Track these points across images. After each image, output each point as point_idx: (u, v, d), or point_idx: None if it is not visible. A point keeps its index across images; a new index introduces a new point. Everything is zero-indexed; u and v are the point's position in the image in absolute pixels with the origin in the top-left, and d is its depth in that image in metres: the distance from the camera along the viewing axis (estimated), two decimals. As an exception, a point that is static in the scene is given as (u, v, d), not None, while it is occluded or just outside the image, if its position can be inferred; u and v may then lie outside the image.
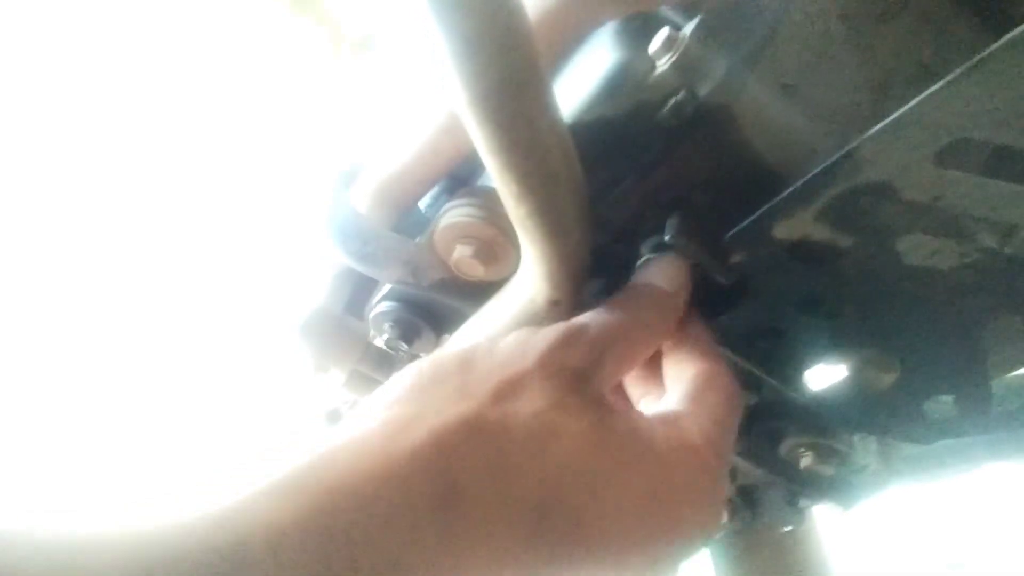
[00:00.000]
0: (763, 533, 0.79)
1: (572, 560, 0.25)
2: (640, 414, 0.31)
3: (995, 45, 0.26)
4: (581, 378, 0.28)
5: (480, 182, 0.44)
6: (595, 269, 0.43)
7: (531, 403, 0.27)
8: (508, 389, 0.27)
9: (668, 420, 0.30)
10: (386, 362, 0.69)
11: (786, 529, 0.66)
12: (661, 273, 0.35)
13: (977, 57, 0.26)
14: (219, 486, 0.22)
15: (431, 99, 0.41)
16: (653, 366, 0.37)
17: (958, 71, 0.26)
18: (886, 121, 0.29)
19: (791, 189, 0.33)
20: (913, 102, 0.28)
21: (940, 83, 0.27)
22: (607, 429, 0.27)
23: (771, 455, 0.55)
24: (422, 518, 0.22)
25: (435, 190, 0.47)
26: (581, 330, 0.31)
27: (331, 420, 1.00)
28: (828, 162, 0.31)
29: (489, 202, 0.39)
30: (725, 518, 0.65)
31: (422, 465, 0.23)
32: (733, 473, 0.61)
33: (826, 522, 0.83)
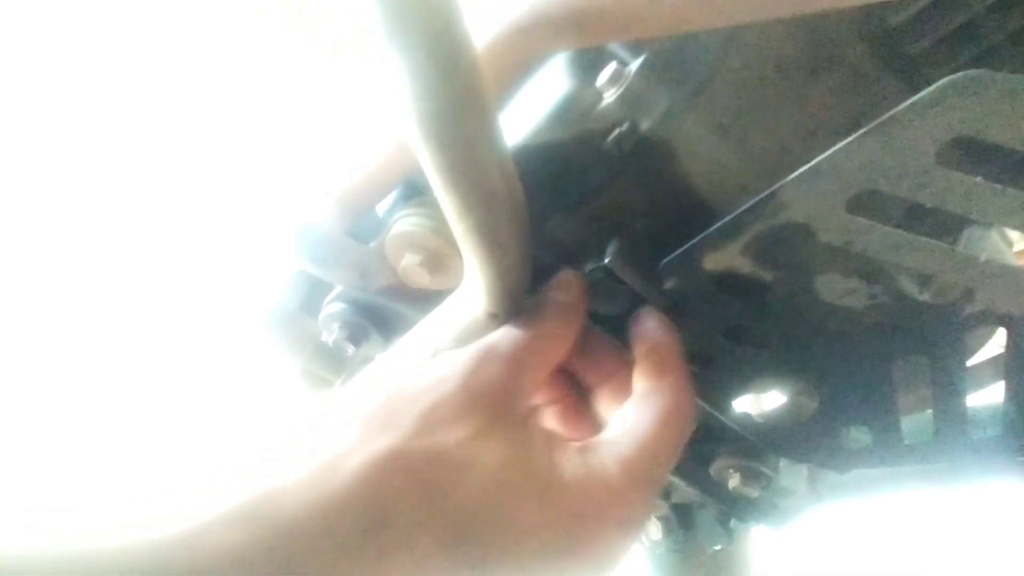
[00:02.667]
0: (697, 551, 0.81)
1: (487, 572, 0.28)
2: (561, 442, 0.33)
3: (899, 108, 0.28)
4: (502, 399, 0.30)
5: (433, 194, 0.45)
6: (537, 287, 0.45)
7: (453, 433, 0.29)
8: (433, 418, 0.30)
9: (587, 448, 0.32)
10: (336, 362, 0.69)
11: (717, 548, 0.69)
12: (561, 286, 0.37)
13: (884, 116, 0.28)
14: (175, 508, 0.24)
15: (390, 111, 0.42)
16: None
17: (867, 128, 0.29)
18: (804, 168, 0.31)
19: (720, 224, 0.35)
20: (827, 152, 0.30)
21: (851, 137, 0.29)
22: (522, 459, 0.30)
23: (703, 475, 0.57)
24: (354, 541, 0.26)
25: (393, 195, 0.48)
26: (495, 348, 0.33)
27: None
28: (753, 201, 0.33)
29: (439, 214, 0.41)
30: (660, 535, 0.67)
31: (354, 496, 0.27)
32: (668, 491, 0.63)
33: (761, 541, 0.86)
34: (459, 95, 0.27)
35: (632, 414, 0.35)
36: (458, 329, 0.39)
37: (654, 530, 0.66)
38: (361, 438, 0.29)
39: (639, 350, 0.38)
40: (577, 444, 0.33)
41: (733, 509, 0.62)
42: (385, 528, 0.26)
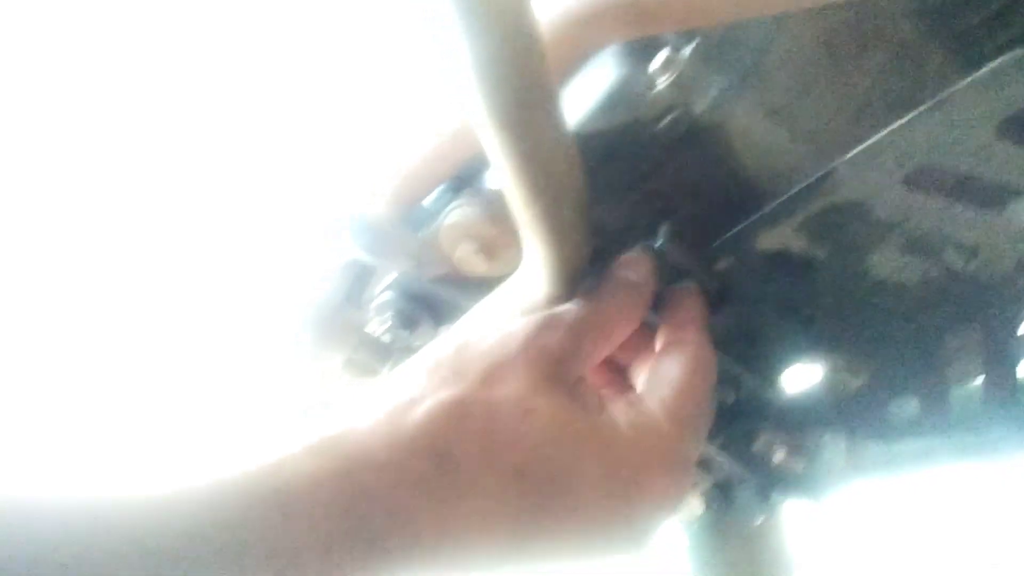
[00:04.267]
0: (736, 525, 0.82)
1: (550, 513, 0.30)
2: (612, 398, 0.35)
3: (960, 84, 0.29)
4: (559, 362, 0.32)
5: (484, 183, 0.46)
6: (589, 269, 0.46)
7: (513, 387, 0.32)
8: (494, 374, 0.32)
9: (631, 401, 0.34)
10: (382, 351, 0.71)
11: (757, 522, 0.70)
12: (630, 265, 0.39)
13: (945, 93, 0.29)
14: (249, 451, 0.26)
15: (443, 102, 0.43)
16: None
17: (926, 105, 0.29)
18: (861, 146, 0.32)
19: (775, 204, 0.36)
20: (885, 130, 0.31)
21: (910, 115, 0.30)
22: (577, 411, 0.32)
23: (746, 451, 0.58)
24: (427, 476, 0.28)
25: (440, 188, 0.50)
26: (559, 317, 0.35)
27: (325, 409, 1.02)
28: (808, 181, 0.34)
29: (493, 203, 0.42)
30: (701, 510, 0.68)
31: (422, 438, 0.29)
32: (710, 467, 0.64)
33: (797, 516, 0.87)
34: (528, 82, 0.28)
35: (664, 365, 0.37)
36: (515, 314, 0.41)
37: (696, 504, 0.68)
38: (431, 387, 0.31)
39: (662, 315, 0.40)
40: (624, 398, 0.35)
41: (774, 483, 0.64)
42: (454, 466, 0.28)
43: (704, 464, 0.65)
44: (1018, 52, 0.27)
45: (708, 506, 0.69)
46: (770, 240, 0.37)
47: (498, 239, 0.42)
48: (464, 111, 0.36)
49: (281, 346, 0.75)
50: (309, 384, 0.95)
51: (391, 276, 0.52)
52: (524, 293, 0.40)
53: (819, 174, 0.33)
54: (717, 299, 0.42)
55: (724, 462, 0.61)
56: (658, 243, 0.40)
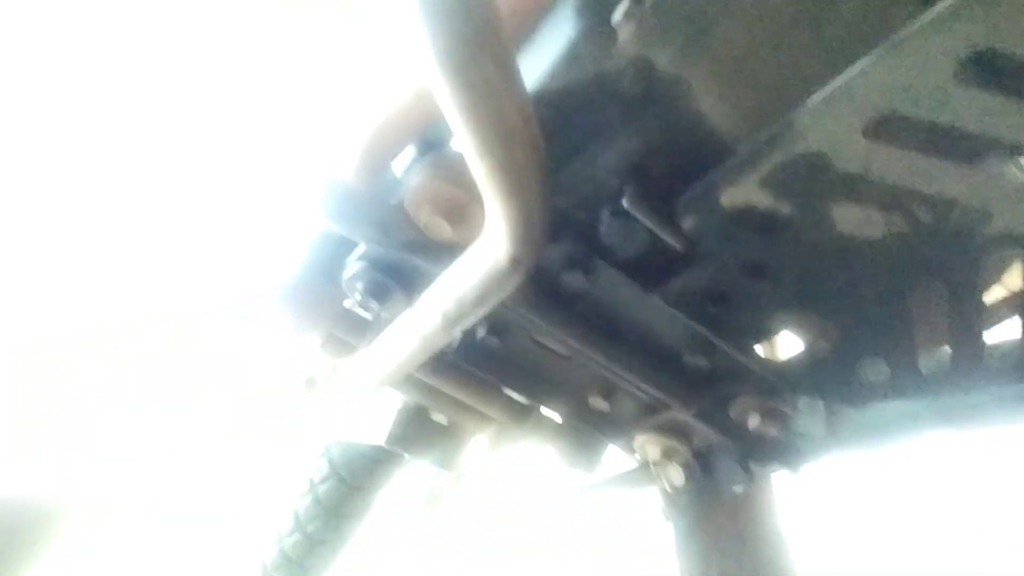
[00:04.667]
0: (719, 499, 0.82)
1: None
2: None
3: (914, 24, 0.28)
4: None
5: (449, 147, 0.46)
6: (559, 233, 0.45)
7: None
8: None
9: None
10: (360, 326, 0.71)
11: (737, 489, 0.70)
12: None
13: (898, 35, 0.29)
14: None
15: (404, 63, 0.42)
16: None
17: (881, 48, 0.29)
18: (819, 94, 0.31)
19: (737, 157, 0.35)
20: (842, 77, 0.30)
21: (865, 59, 0.29)
22: None
23: (723, 417, 0.58)
24: None
25: (408, 154, 0.49)
26: None
27: (309, 387, 1.01)
28: (769, 132, 0.33)
29: (458, 166, 0.41)
30: (682, 481, 0.68)
31: None
32: (688, 435, 0.64)
33: (783, 488, 0.88)
34: (476, 30, 0.27)
35: None
36: (482, 277, 0.40)
37: (676, 476, 0.68)
38: None
39: None
40: None
41: (753, 450, 0.64)
42: None
43: (682, 432, 0.65)
44: (973, -11, 0.26)
45: (689, 477, 0.69)
46: (734, 196, 0.36)
47: (462, 202, 0.42)
48: (416, 64, 0.35)
49: (262, 323, 0.75)
50: (293, 362, 0.95)
51: (361, 247, 0.52)
52: (487, 257, 0.39)
53: (779, 125, 0.32)
54: (684, 260, 0.42)
55: (702, 429, 0.61)
56: (623, 202, 0.40)
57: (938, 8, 0.27)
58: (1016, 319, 0.42)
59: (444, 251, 0.46)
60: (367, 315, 0.71)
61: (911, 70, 0.29)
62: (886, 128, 0.32)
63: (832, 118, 0.31)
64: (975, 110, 0.30)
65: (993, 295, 0.45)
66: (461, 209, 0.42)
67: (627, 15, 0.35)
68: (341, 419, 0.95)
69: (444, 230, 0.43)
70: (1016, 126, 0.30)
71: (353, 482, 1.02)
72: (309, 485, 1.03)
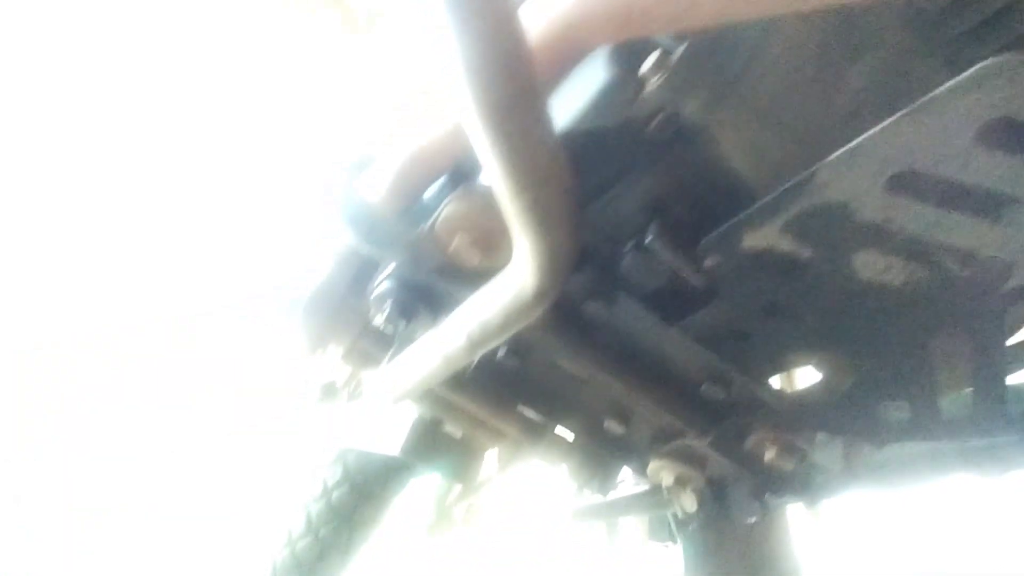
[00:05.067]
0: (731, 525, 0.83)
1: None
2: None
3: (938, 90, 0.29)
4: None
5: (481, 178, 0.47)
6: (583, 263, 0.47)
7: None
8: None
9: None
10: (384, 340, 0.73)
11: (751, 521, 0.70)
12: None
13: (924, 98, 0.30)
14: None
15: (441, 93, 0.44)
16: None
17: (906, 109, 0.30)
18: (843, 149, 0.32)
19: (761, 203, 0.36)
20: (866, 134, 0.31)
21: (891, 118, 0.30)
22: None
23: (738, 448, 0.58)
24: None
25: (439, 183, 0.51)
26: None
27: (327, 394, 1.04)
28: (793, 181, 0.34)
29: (489, 197, 0.43)
30: (694, 507, 0.68)
31: None
32: (703, 463, 0.65)
33: (799, 521, 0.87)
34: (516, 89, 0.29)
35: None
36: (507, 305, 0.42)
37: (689, 503, 0.68)
38: None
39: None
40: None
41: (767, 483, 0.64)
42: None
43: (697, 460, 0.65)
44: (995, 59, 0.27)
45: (701, 503, 0.69)
46: (756, 239, 0.37)
47: (492, 232, 0.43)
48: (456, 110, 0.37)
49: (286, 334, 0.77)
50: (313, 373, 0.97)
51: (391, 267, 0.54)
52: (513, 287, 0.40)
53: (803, 175, 0.34)
54: (704, 297, 0.43)
55: (716, 459, 0.62)
56: (647, 240, 0.41)
57: (964, 75, 0.28)
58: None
59: (471, 277, 0.47)
60: (390, 331, 0.73)
61: (934, 132, 0.30)
62: (907, 183, 0.33)
63: (854, 171, 0.32)
64: (997, 172, 0.31)
65: (1016, 338, 0.45)
66: (490, 238, 0.43)
67: (655, 66, 0.36)
68: (358, 427, 0.96)
69: (473, 258, 0.44)
70: (1037, 187, 0.31)
71: (366, 489, 1.04)
72: (323, 489, 1.05)
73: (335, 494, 1.03)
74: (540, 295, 0.39)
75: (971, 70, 0.28)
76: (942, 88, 0.29)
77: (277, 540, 1.06)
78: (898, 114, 0.30)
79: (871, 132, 0.31)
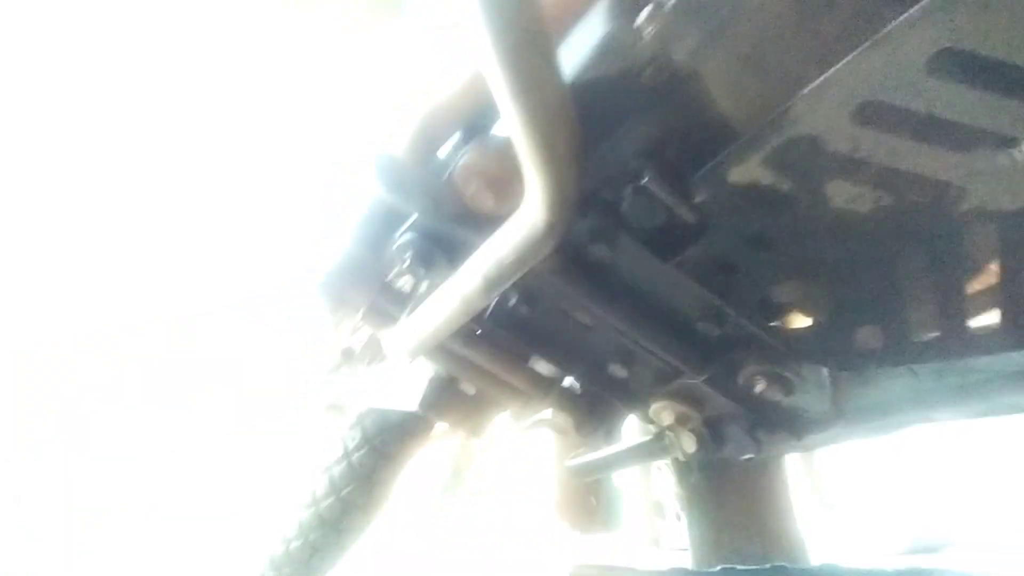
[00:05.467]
0: (729, 468, 0.88)
1: None
2: None
3: (891, 24, 0.34)
4: None
5: (492, 132, 0.52)
6: (587, 209, 0.52)
7: None
8: None
9: None
10: (401, 299, 0.78)
11: (746, 458, 0.75)
12: None
13: (877, 34, 0.34)
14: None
15: (454, 58, 0.49)
16: None
17: (864, 45, 0.34)
18: (812, 85, 0.37)
19: (742, 139, 0.41)
20: (832, 69, 0.36)
21: (851, 55, 0.35)
22: None
23: (732, 384, 0.63)
24: None
25: (453, 140, 0.55)
26: None
27: (346, 358, 1.09)
28: (769, 117, 0.39)
29: (501, 147, 0.48)
30: (693, 447, 0.73)
31: None
32: (700, 403, 0.70)
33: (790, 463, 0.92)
34: (528, 31, 0.33)
35: None
36: (520, 241, 0.47)
37: (688, 442, 0.73)
38: None
39: None
40: None
41: (760, 419, 0.69)
42: None
43: (695, 400, 0.70)
44: (938, -5, 0.32)
45: (700, 443, 0.74)
46: (740, 174, 0.42)
47: (504, 179, 0.48)
48: (474, 59, 0.42)
49: (308, 293, 0.82)
50: (332, 334, 1.02)
51: (410, 220, 0.58)
52: (525, 223, 0.45)
53: (777, 111, 0.38)
54: (696, 232, 0.47)
55: (712, 396, 0.67)
56: (644, 181, 0.46)
57: (912, 10, 0.33)
58: (998, 292, 0.47)
59: (486, 222, 0.52)
60: (407, 288, 0.77)
61: (888, 64, 0.34)
62: (870, 114, 0.37)
63: (823, 104, 0.37)
64: (946, 100, 0.35)
65: (977, 270, 0.50)
66: (504, 184, 0.48)
67: (649, 18, 0.41)
68: (375, 389, 1.02)
69: (488, 202, 0.49)
70: (983, 114, 0.35)
71: (384, 450, 1.09)
72: (344, 452, 1.10)
73: (355, 456, 1.09)
74: (550, 228, 0.44)
75: (918, 5, 0.32)
76: (894, 23, 0.33)
77: (302, 500, 1.11)
78: (858, 49, 0.34)
79: (835, 67, 0.36)
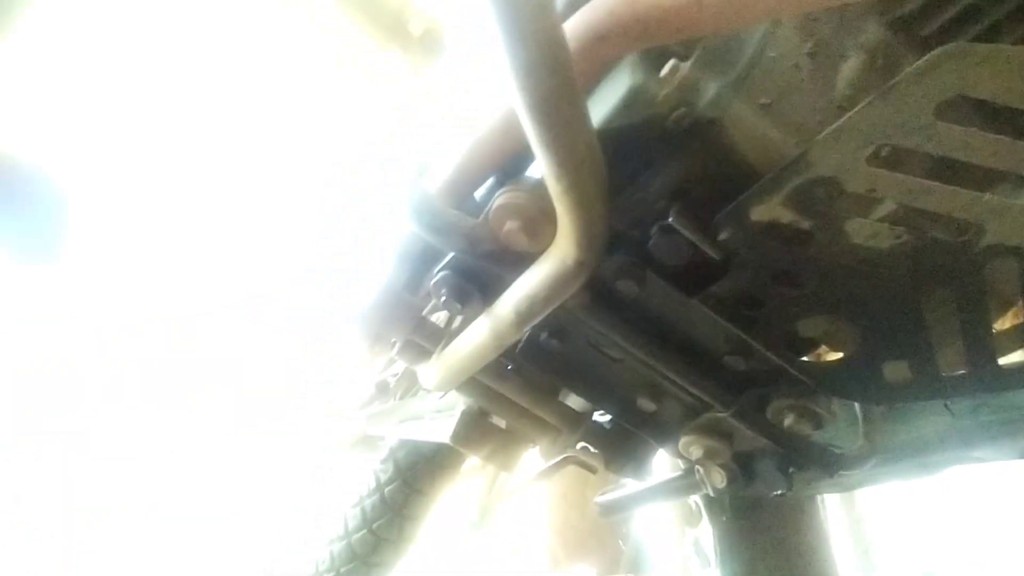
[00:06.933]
0: (760, 504, 0.86)
1: None
2: None
3: (901, 75, 0.36)
4: None
5: (526, 175, 0.55)
6: (615, 247, 0.54)
7: None
8: None
9: None
10: (436, 334, 0.81)
11: (777, 494, 0.74)
12: None
13: (890, 83, 0.36)
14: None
15: (490, 104, 0.52)
16: None
17: (876, 93, 0.37)
18: (828, 129, 0.39)
19: (762, 180, 0.43)
20: (846, 115, 0.38)
21: (864, 102, 0.37)
22: None
23: (761, 418, 0.64)
24: None
25: (488, 182, 0.59)
26: None
27: (380, 391, 1.12)
28: (788, 161, 0.41)
29: (534, 189, 0.51)
30: (723, 483, 0.73)
31: None
32: (730, 438, 0.70)
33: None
34: (558, 85, 0.37)
35: None
36: (551, 278, 0.49)
37: (718, 478, 0.73)
38: None
39: None
40: None
41: (791, 453, 0.69)
42: None
43: (724, 434, 0.71)
44: (943, 48, 0.34)
45: (731, 480, 0.74)
46: (761, 213, 0.44)
47: (537, 219, 0.51)
48: (509, 109, 0.45)
49: (345, 330, 0.86)
50: (366, 368, 1.06)
51: (446, 258, 0.62)
52: (556, 261, 0.48)
53: (797, 154, 0.40)
54: (721, 269, 0.49)
55: (741, 431, 0.67)
56: (669, 220, 0.48)
57: (921, 61, 0.35)
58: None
59: (519, 260, 0.55)
60: (441, 324, 0.80)
61: (899, 112, 0.36)
62: (886, 156, 0.39)
63: (839, 148, 0.39)
64: (957, 143, 0.37)
65: (1001, 307, 0.51)
66: (536, 225, 0.51)
67: (672, 70, 0.44)
68: (408, 422, 1.04)
69: (521, 241, 0.52)
70: (994, 156, 0.37)
71: (416, 485, 1.10)
72: (376, 484, 1.12)
73: (387, 489, 1.10)
74: (580, 266, 0.47)
75: (926, 57, 0.35)
76: (904, 73, 0.36)
77: (335, 533, 1.13)
78: (870, 97, 0.37)
79: (850, 113, 0.38)
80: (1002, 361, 0.50)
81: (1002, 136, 0.37)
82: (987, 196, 0.39)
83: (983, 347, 0.47)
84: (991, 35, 0.42)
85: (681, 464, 0.81)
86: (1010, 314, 0.51)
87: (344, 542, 1.11)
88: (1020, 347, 0.51)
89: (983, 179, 0.40)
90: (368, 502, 1.11)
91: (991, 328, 0.46)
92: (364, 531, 1.10)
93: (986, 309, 0.45)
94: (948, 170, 0.40)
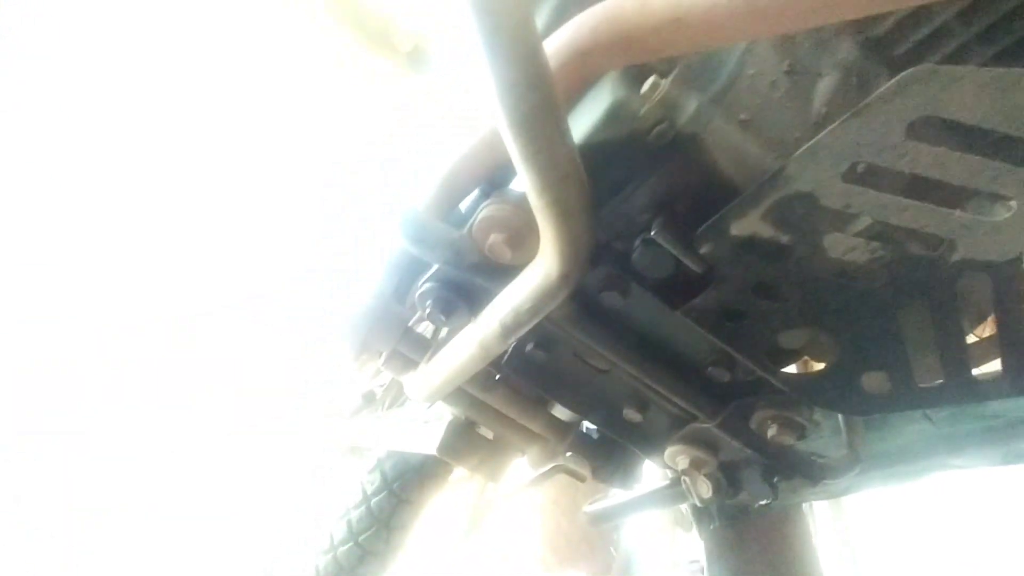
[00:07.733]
0: (747, 514, 0.87)
1: None
2: None
3: (873, 95, 0.37)
4: None
5: (510, 188, 0.56)
6: (600, 260, 0.55)
7: None
8: None
9: None
10: (422, 344, 0.81)
11: (763, 504, 0.75)
12: None
13: (862, 103, 0.37)
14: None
15: (475, 117, 0.53)
16: None
17: (849, 112, 0.38)
18: (804, 147, 0.40)
19: (742, 196, 0.44)
20: (822, 133, 0.39)
21: (838, 121, 0.38)
22: None
23: (745, 428, 0.64)
24: None
25: (473, 194, 0.59)
26: None
27: (367, 402, 1.11)
28: (766, 176, 0.42)
29: (518, 202, 0.51)
30: (709, 493, 0.74)
31: None
32: (715, 448, 0.71)
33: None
34: (540, 102, 0.37)
35: None
36: (535, 291, 0.50)
37: (704, 488, 0.74)
38: None
39: None
40: None
41: (775, 463, 0.69)
42: None
43: (709, 444, 0.71)
44: (911, 70, 0.35)
45: (716, 489, 0.75)
46: (741, 227, 0.45)
47: (521, 232, 0.52)
48: (491, 125, 0.46)
49: (331, 339, 0.86)
50: (352, 378, 1.05)
51: (432, 270, 0.62)
52: (540, 273, 0.48)
53: (774, 170, 0.41)
54: (703, 281, 0.50)
55: (726, 441, 0.68)
56: (652, 233, 0.49)
57: (891, 82, 0.36)
58: (996, 341, 0.48)
59: (504, 272, 0.55)
60: (428, 334, 0.81)
61: (871, 131, 0.37)
62: (860, 173, 0.40)
63: (816, 165, 0.40)
64: (928, 161, 0.38)
65: (974, 319, 0.52)
66: (520, 237, 0.52)
67: (652, 86, 0.45)
68: (395, 432, 1.04)
69: (505, 253, 0.52)
70: (964, 174, 0.38)
71: (403, 495, 1.10)
72: (362, 496, 1.11)
73: (374, 500, 1.10)
74: (564, 278, 0.47)
75: (896, 78, 0.36)
76: (875, 94, 0.37)
77: (319, 545, 1.12)
78: (844, 116, 0.38)
79: (825, 131, 0.39)
80: (976, 372, 0.51)
81: (972, 155, 0.38)
82: (958, 213, 0.40)
83: (958, 359, 0.48)
84: (960, 55, 0.43)
85: (668, 474, 0.81)
86: (984, 326, 0.52)
87: (330, 555, 1.10)
88: (994, 358, 0.52)
89: (954, 196, 0.41)
90: (354, 514, 1.10)
91: (965, 340, 0.47)
92: (350, 544, 1.10)
93: (960, 322, 0.46)
94: (921, 187, 0.41)
